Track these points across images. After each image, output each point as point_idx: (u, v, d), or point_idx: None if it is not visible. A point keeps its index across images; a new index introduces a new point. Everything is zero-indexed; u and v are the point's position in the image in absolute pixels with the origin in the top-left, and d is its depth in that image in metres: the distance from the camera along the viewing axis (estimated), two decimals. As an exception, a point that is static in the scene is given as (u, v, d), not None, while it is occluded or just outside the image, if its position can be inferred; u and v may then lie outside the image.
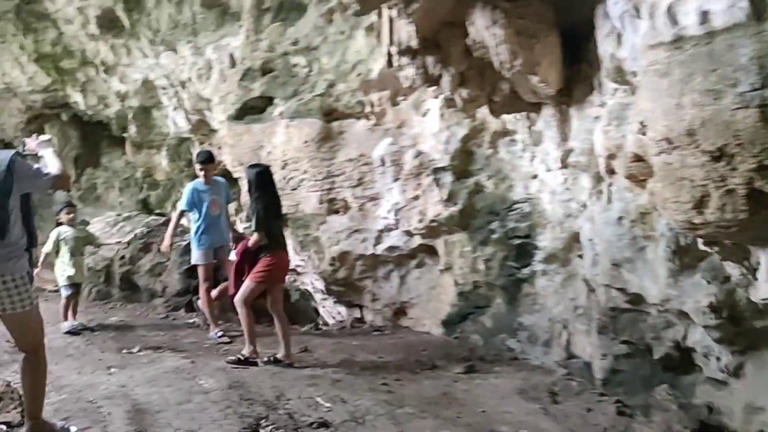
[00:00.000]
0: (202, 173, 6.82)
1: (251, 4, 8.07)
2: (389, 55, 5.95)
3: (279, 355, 5.65)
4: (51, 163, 3.58)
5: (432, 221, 6.81)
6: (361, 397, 4.61)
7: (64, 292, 6.81)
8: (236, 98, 7.98)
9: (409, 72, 5.83)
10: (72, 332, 6.53)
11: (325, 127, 7.53)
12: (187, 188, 7.03)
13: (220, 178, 7.29)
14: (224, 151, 8.70)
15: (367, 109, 7.40)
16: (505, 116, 6.37)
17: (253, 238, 5.67)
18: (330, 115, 7.66)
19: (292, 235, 7.78)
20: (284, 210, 7.64)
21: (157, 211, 12.42)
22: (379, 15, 6.01)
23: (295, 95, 7.79)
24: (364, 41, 7.38)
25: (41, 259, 6.90)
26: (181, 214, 7.09)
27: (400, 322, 7.43)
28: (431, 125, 7.03)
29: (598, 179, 5.21)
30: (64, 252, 6.88)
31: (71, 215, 7.20)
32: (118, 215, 8.63)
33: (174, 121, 10.76)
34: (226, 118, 7.97)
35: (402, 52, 5.74)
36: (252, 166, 6.19)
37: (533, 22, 5.23)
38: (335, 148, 7.50)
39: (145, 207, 20.29)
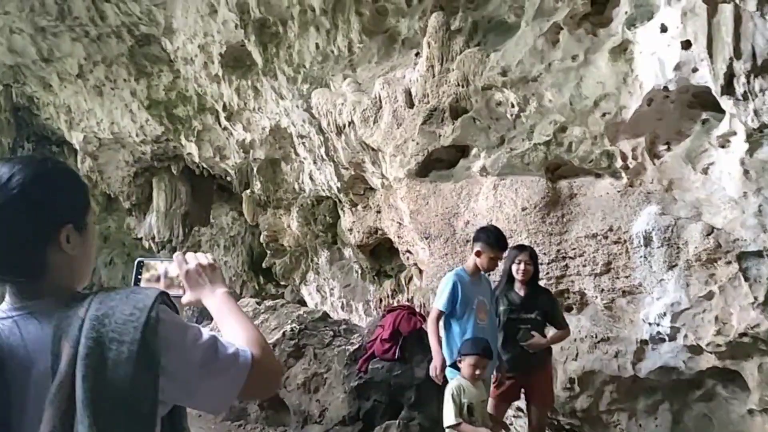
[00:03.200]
0: (485, 259, 4.44)
1: (435, 25, 6.05)
2: (729, 75, 3.70)
3: None
4: (229, 328, 1.40)
5: (741, 335, 4.43)
6: None
7: None
8: (418, 147, 5.88)
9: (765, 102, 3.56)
10: None
11: (552, 188, 5.32)
12: (448, 279, 4.50)
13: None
14: (396, 216, 6.63)
15: (618, 162, 5.14)
16: None
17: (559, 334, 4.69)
18: (555, 171, 5.46)
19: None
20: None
21: (283, 282, 10.52)
22: (712, 10, 3.78)
23: (503, 143, 5.63)
24: (608, 69, 5.19)
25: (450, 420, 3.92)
26: (439, 315, 4.47)
27: (675, 483, 4.99)
28: (725, 187, 4.72)
29: None
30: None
31: (479, 371, 4.06)
32: (258, 303, 6.57)
33: (311, 177, 8.83)
34: (405, 174, 5.88)
35: (759, 70, 3.49)
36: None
37: None
38: (567, 218, 5.26)
39: (266, 275, 18.48)
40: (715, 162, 4.89)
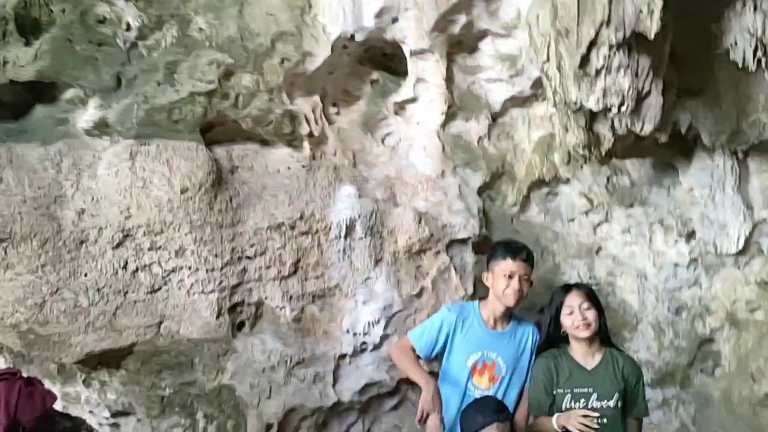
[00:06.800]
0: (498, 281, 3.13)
1: None
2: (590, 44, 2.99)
3: None
4: None
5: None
6: None
7: None
8: None
9: (617, 81, 3.04)
10: None
11: (213, 160, 3.69)
12: (440, 314, 3.39)
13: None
14: None
15: (303, 128, 3.91)
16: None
17: None
18: (205, 133, 3.81)
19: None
20: (111, 341, 3.59)
21: None
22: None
23: (120, 85, 3.61)
24: (278, -3, 3.88)
25: None
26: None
27: None
28: (415, 163, 4.18)
29: None
30: None
31: None
32: None
33: None
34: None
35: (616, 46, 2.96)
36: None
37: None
38: (237, 203, 3.73)
39: None
40: (392, 132, 4.27)
